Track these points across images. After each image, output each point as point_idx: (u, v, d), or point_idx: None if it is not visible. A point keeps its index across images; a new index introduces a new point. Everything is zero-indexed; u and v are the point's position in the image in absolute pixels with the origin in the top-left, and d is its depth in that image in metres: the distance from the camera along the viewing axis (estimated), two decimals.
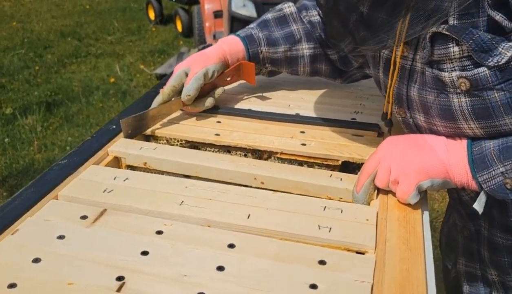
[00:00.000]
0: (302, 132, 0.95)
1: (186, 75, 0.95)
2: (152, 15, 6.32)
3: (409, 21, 0.70)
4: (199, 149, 0.93)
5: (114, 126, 0.94)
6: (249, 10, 4.11)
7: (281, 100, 1.08)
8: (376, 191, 0.75)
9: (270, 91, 1.13)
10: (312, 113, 1.01)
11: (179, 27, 5.74)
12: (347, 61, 1.03)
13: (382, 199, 0.74)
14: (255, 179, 0.80)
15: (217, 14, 4.37)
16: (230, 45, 1.01)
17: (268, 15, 1.05)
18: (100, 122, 3.62)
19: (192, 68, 0.96)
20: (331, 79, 1.10)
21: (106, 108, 3.84)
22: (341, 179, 0.79)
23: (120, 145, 0.86)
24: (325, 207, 0.71)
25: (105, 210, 0.70)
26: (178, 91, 0.96)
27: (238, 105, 1.04)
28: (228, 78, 1.02)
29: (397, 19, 0.72)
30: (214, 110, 1.00)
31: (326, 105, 1.06)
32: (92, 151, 0.85)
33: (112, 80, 4.36)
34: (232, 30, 3.73)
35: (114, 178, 0.77)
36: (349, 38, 0.89)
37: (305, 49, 1.04)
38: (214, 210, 0.70)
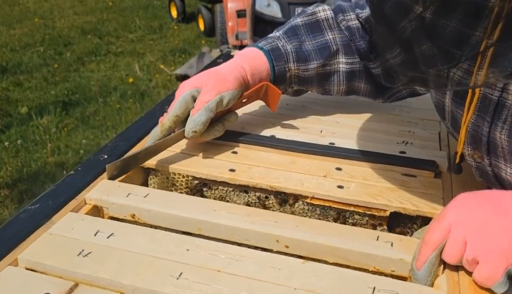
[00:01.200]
0: (338, 169, 0.75)
1: (194, 99, 0.76)
2: (174, 13, 6.19)
3: (500, 37, 0.50)
4: (210, 188, 0.75)
5: (106, 157, 0.77)
6: (274, 10, 3.93)
7: (311, 125, 0.89)
8: (443, 265, 0.55)
9: (297, 112, 0.93)
10: (350, 143, 0.82)
11: (202, 26, 5.58)
12: (394, 76, 0.84)
13: (451, 277, 0.54)
14: (277, 241, 0.61)
15: (240, 14, 4.19)
16: (252, 63, 0.81)
17: (298, 20, 0.86)
18: (117, 124, 3.48)
19: (203, 92, 0.75)
20: (371, 98, 0.91)
21: (123, 110, 3.70)
22: (391, 244, 0.59)
23: (102, 190, 0.68)
24: (374, 288, 0.52)
25: (76, 285, 0.52)
26: (182, 122, 0.76)
27: (258, 131, 0.85)
28: (244, 100, 0.83)
29: (475, 31, 0.53)
30: (228, 137, 0.82)
31: (367, 132, 0.87)
32: (71, 191, 0.67)
33: (130, 80, 4.23)
34: (256, 31, 3.54)
35: (95, 233, 0.59)
36: (403, 53, 0.70)
37: (341, 63, 0.85)
38: (223, 288, 0.51)
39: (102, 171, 0.72)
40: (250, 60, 0.81)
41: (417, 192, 0.70)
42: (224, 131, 0.79)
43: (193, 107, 0.75)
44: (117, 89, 4.05)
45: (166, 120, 0.75)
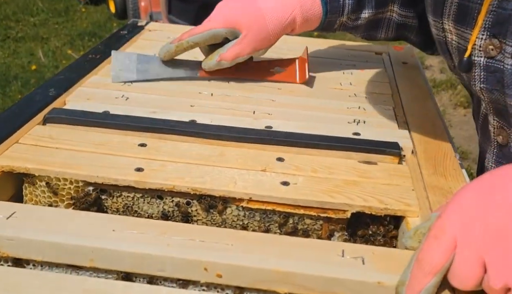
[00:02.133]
0: (280, 160, 0.58)
1: (223, 40, 0.74)
2: None
3: None
4: (110, 195, 0.55)
5: None
6: None
7: (241, 104, 0.71)
8: None
9: (222, 89, 0.75)
10: (291, 126, 0.65)
11: (112, 7, 5.20)
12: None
13: None
14: (205, 269, 0.42)
15: None
16: (306, 15, 0.73)
17: None
18: None
19: (239, 43, 0.72)
20: (419, 48, 0.85)
21: None
22: (363, 261, 0.43)
23: None
24: None
25: None
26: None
27: (174, 115, 0.66)
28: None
29: None
30: (133, 123, 0.62)
31: (311, 111, 0.70)
32: None
33: (33, 67, 3.83)
34: (170, 10, 3.29)
35: None
36: None
37: (395, 13, 0.78)
38: None
39: None
40: (305, 10, 0.73)
41: (382, 184, 0.55)
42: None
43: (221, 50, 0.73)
44: (18, 78, 3.64)
45: (186, 42, 0.73)
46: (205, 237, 0.45)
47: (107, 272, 0.45)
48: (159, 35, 0.96)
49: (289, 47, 0.93)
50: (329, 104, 0.72)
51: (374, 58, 0.92)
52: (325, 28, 0.77)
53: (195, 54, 0.79)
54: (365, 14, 0.76)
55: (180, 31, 0.98)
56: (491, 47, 0.50)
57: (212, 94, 0.73)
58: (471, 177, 0.58)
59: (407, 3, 0.78)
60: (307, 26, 0.75)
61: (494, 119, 0.56)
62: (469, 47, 0.52)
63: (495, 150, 0.58)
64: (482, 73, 0.52)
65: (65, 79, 0.74)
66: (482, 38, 0.51)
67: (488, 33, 0.50)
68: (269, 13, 0.72)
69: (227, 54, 0.72)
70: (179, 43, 0.73)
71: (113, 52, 0.76)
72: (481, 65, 0.52)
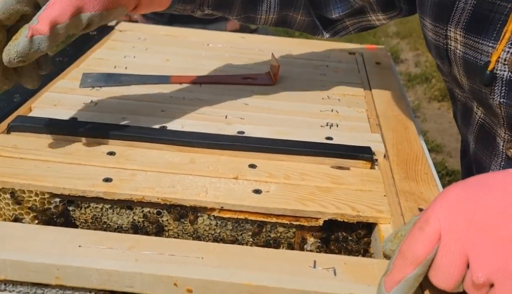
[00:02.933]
0: (252, 166, 0.57)
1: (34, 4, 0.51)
2: None
3: None
4: (78, 206, 0.53)
5: None
6: None
7: (213, 109, 0.70)
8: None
9: (193, 92, 0.74)
10: (264, 131, 0.64)
11: None
12: (345, 4, 0.69)
13: None
14: (175, 284, 0.42)
15: None
16: None
17: None
18: None
19: (52, 3, 0.49)
20: (307, 32, 0.75)
21: None
22: (334, 272, 0.43)
23: None
24: None
25: None
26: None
27: (143, 121, 0.64)
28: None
29: None
30: (101, 131, 0.60)
31: (284, 115, 0.69)
32: None
33: None
34: None
35: None
36: None
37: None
38: None
39: None
40: None
41: (354, 190, 0.55)
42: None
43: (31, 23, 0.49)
44: None
45: None
46: (175, 250, 0.44)
47: (74, 289, 0.44)
48: (130, 36, 0.94)
49: (259, 47, 0.92)
50: (302, 108, 0.72)
51: (347, 58, 0.92)
52: (180, 8, 0.64)
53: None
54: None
55: (152, 31, 0.96)
56: None
57: (183, 98, 0.72)
58: (446, 169, 0.58)
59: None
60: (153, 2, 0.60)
61: (505, 133, 0.54)
62: (493, 60, 0.49)
63: (502, 163, 0.56)
64: (503, 88, 0.50)
65: None
66: (508, 51, 0.48)
67: None
68: None
69: (40, 25, 0.48)
70: None
71: (83, 74, 0.75)
72: (503, 79, 0.49)
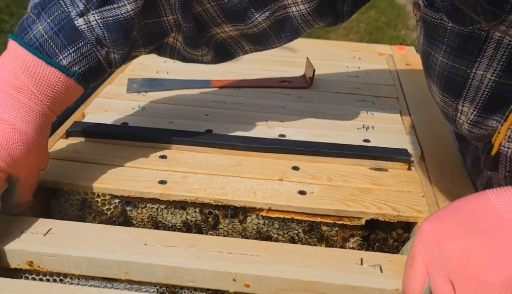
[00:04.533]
0: (296, 168, 0.61)
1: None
2: None
3: None
4: (135, 206, 0.57)
5: None
6: None
7: (254, 112, 0.73)
8: None
9: (233, 97, 0.77)
10: (303, 134, 0.67)
11: None
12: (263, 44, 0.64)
13: None
14: (234, 280, 0.46)
15: None
16: (60, 103, 0.52)
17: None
18: None
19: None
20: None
21: None
22: (380, 269, 0.46)
23: None
24: None
25: None
26: None
27: (190, 125, 0.68)
28: None
29: None
30: (153, 136, 0.64)
31: (321, 118, 0.73)
32: None
33: None
34: None
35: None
36: None
37: (179, 42, 0.60)
38: None
39: None
40: (60, 103, 0.52)
41: (394, 191, 0.58)
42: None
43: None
44: None
45: None
46: (232, 249, 0.48)
47: (140, 284, 0.48)
48: None
49: (291, 48, 0.95)
50: (338, 110, 0.75)
51: (377, 60, 0.95)
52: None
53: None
54: (142, 53, 0.59)
55: None
56: None
57: (225, 102, 0.76)
58: None
59: (192, 44, 0.59)
60: (66, 105, 0.53)
61: None
62: (496, 144, 0.48)
63: None
64: (508, 164, 0.49)
65: None
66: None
67: None
68: (31, 131, 0.49)
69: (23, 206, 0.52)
70: None
71: (128, 79, 0.79)
72: (507, 156, 0.48)
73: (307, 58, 0.83)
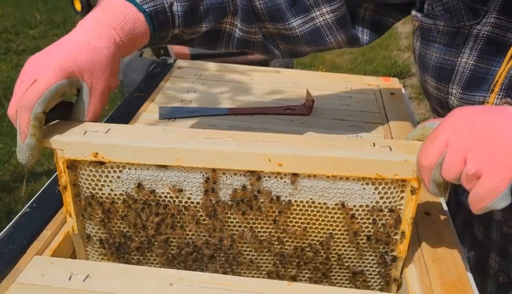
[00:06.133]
0: None
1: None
2: (78, 5, 5.87)
3: None
4: None
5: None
6: None
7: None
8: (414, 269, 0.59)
9: (244, 120, 0.94)
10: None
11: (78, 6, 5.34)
12: (297, 53, 0.81)
13: (423, 282, 0.58)
14: (269, 160, 0.57)
15: None
16: (130, 38, 0.63)
17: None
18: None
19: (92, 92, 0.60)
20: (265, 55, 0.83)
21: None
22: (390, 148, 0.58)
23: (51, 132, 0.59)
24: None
25: None
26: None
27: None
28: None
29: None
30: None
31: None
32: (32, 232, 0.63)
33: None
34: None
35: (70, 277, 0.56)
36: None
37: (236, 27, 0.74)
38: None
39: (60, 204, 0.68)
40: (127, 33, 0.63)
41: None
42: None
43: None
44: None
45: (34, 120, 0.55)
46: (267, 139, 0.59)
47: (188, 171, 0.59)
48: (187, 72, 1.15)
49: (293, 80, 1.12)
50: (333, 134, 0.91)
51: (366, 90, 1.12)
52: (157, 43, 0.69)
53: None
54: (203, 27, 0.71)
55: (204, 67, 1.17)
56: (505, 104, 0.61)
57: (240, 128, 0.92)
58: None
59: (247, 18, 0.73)
60: (135, 46, 0.65)
61: None
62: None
63: None
64: None
65: (121, 116, 0.93)
66: (498, 97, 0.62)
67: (502, 94, 0.62)
68: (100, 46, 0.60)
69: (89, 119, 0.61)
70: (32, 129, 0.56)
71: (159, 108, 0.95)
72: None
73: (307, 89, 1.00)
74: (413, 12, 0.71)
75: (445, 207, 0.72)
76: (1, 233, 0.63)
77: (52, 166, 2.88)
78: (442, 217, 0.69)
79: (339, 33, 0.75)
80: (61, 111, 0.61)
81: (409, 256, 0.63)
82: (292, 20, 0.74)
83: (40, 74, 0.56)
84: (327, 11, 0.73)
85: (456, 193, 0.89)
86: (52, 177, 0.76)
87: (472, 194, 0.50)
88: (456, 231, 0.67)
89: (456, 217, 0.84)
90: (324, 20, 0.74)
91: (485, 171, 0.48)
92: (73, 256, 0.67)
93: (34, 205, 0.69)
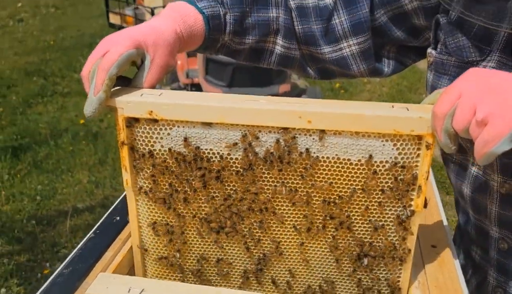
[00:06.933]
0: None
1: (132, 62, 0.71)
2: None
3: None
4: None
5: (118, 218, 0.85)
6: None
7: None
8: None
9: None
10: None
11: None
12: (328, 74, 0.91)
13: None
14: (300, 117, 0.65)
15: (190, 53, 4.25)
16: (189, 31, 0.76)
17: None
18: (71, 167, 3.42)
19: (153, 65, 0.72)
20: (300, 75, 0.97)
21: (76, 152, 3.63)
22: (407, 109, 0.65)
23: (115, 94, 0.69)
24: None
25: None
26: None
27: None
28: None
29: None
30: None
31: None
32: (97, 253, 0.76)
33: (81, 121, 4.17)
34: (207, 71, 3.57)
35: (129, 290, 0.65)
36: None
37: (278, 45, 0.85)
38: None
39: (118, 231, 0.80)
40: (189, 26, 0.76)
41: None
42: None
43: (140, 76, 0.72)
44: (68, 130, 3.96)
45: (108, 79, 0.66)
46: (298, 101, 0.67)
47: (229, 129, 0.67)
48: None
49: None
50: None
51: None
52: (208, 46, 0.80)
53: None
54: (249, 39, 0.82)
55: None
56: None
57: None
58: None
59: (289, 35, 0.84)
60: (192, 42, 0.77)
61: (498, 177, 0.73)
62: None
63: (497, 198, 0.75)
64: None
65: None
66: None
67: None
68: (164, 29, 0.73)
69: (145, 85, 0.72)
70: (105, 86, 0.67)
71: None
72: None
73: None
74: (429, 50, 0.81)
75: (450, 240, 0.81)
76: (72, 253, 0.76)
77: (94, 202, 3.01)
78: (446, 249, 0.78)
79: (362, 63, 0.87)
80: (122, 82, 0.72)
81: (414, 281, 0.73)
82: (324, 47, 0.86)
83: (113, 45, 0.69)
84: (354, 43, 0.85)
85: (459, 229, 0.93)
86: (111, 208, 0.87)
87: (478, 139, 0.55)
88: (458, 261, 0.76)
89: (458, 250, 0.91)
90: (350, 51, 0.86)
91: (492, 118, 0.54)
92: (131, 272, 0.78)
93: (98, 231, 0.81)
